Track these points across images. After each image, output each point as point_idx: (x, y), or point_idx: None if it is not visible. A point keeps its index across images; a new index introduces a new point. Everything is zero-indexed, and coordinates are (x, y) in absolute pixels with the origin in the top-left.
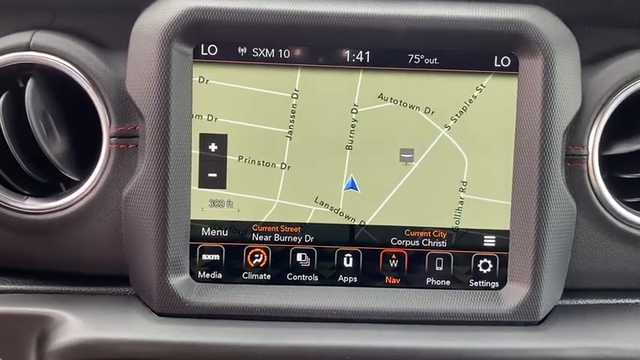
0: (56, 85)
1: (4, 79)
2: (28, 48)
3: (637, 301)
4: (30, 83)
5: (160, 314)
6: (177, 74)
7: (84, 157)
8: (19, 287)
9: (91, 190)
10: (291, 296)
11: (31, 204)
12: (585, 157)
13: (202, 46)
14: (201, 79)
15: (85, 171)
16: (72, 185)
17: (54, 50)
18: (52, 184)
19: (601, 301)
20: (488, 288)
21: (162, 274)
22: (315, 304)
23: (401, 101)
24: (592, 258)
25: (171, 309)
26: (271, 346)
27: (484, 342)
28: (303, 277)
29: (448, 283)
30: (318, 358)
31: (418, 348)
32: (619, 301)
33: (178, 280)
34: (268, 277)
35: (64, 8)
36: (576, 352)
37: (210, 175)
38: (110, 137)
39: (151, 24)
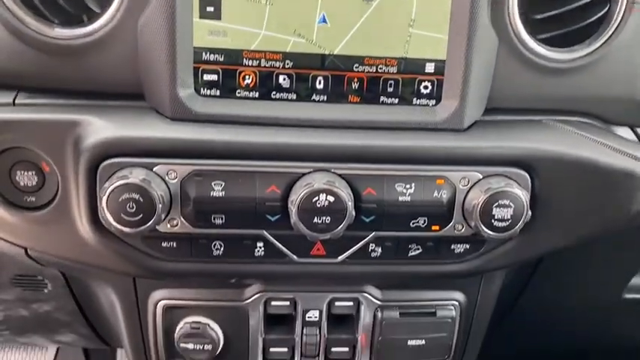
0: None
1: None
2: None
3: (541, 118)
4: None
5: (172, 119)
6: None
7: None
8: (52, 101)
9: (111, 20)
10: (275, 109)
11: (59, 32)
12: None
13: None
14: None
15: (104, 3)
16: (93, 17)
17: None
18: (76, 15)
19: (515, 117)
20: (427, 105)
21: (173, 87)
22: (294, 115)
23: None
24: (509, 83)
25: (182, 115)
26: (260, 142)
27: (422, 141)
28: (284, 96)
29: (397, 101)
30: (296, 150)
31: (372, 145)
32: (529, 117)
33: (186, 93)
34: (257, 94)
35: None
36: (492, 149)
37: (208, 8)
38: None
39: None
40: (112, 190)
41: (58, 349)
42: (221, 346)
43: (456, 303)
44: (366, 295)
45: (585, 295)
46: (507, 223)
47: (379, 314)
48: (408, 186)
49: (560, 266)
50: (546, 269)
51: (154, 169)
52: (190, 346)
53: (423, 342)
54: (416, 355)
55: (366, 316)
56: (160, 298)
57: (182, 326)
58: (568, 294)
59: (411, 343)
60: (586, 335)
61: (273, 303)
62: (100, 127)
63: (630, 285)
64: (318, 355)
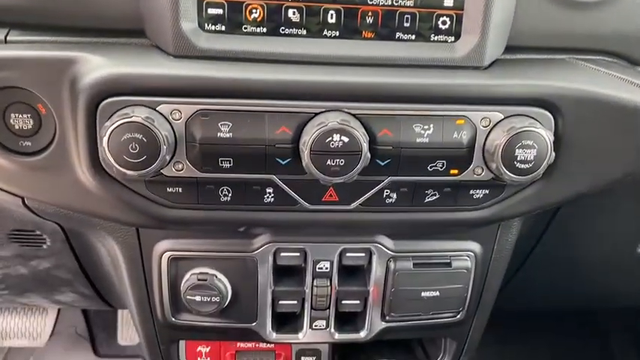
0: None
1: None
2: None
3: (564, 57)
4: None
5: (175, 56)
6: None
7: None
8: (47, 38)
9: None
10: (284, 45)
11: None
12: None
13: None
14: None
15: None
16: None
17: None
18: None
19: (536, 56)
20: (445, 41)
21: (176, 21)
22: (304, 52)
23: None
24: (531, 18)
25: (185, 51)
26: (269, 80)
27: (440, 79)
28: (294, 31)
29: (413, 37)
30: (307, 89)
31: (387, 82)
32: (552, 56)
33: (189, 27)
34: (264, 30)
35: None
36: (514, 87)
37: None
38: None
39: None
40: (114, 130)
41: (58, 313)
42: (229, 298)
43: (472, 253)
44: (378, 245)
45: (599, 249)
46: (530, 165)
47: (392, 265)
48: (426, 127)
49: (577, 217)
50: (563, 220)
51: (157, 109)
52: (197, 298)
53: (437, 293)
54: (429, 307)
55: (378, 267)
56: (164, 249)
57: (188, 278)
58: (583, 247)
59: (424, 294)
60: (598, 292)
61: (283, 254)
62: (98, 65)
63: None
64: (329, 307)
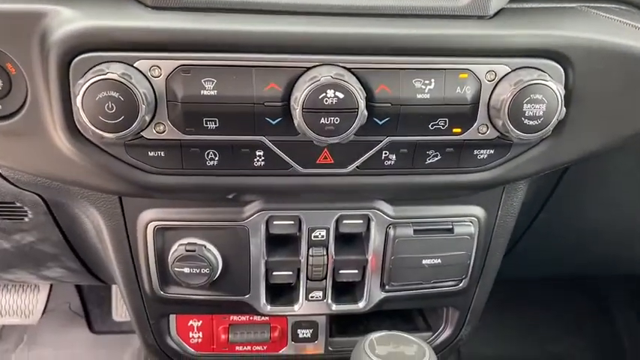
0: None
1: None
2: None
3: (573, 5)
4: None
5: (153, 7)
6: None
7: None
8: None
9: None
10: None
11: None
12: None
13: None
14: None
15: None
16: None
17: None
18: None
19: (545, 4)
20: None
21: None
22: (294, 0)
23: None
24: None
25: (164, 2)
26: (256, 31)
27: (442, 29)
28: None
29: None
30: (298, 41)
31: (385, 33)
32: (562, 5)
33: None
34: None
35: None
36: (521, 38)
37: None
38: None
39: None
40: (88, 88)
41: (50, 289)
42: (219, 269)
43: (475, 219)
44: (376, 211)
45: (604, 216)
46: (539, 122)
47: (391, 232)
48: (427, 81)
49: (583, 182)
50: (569, 184)
51: (135, 65)
52: (186, 270)
53: (439, 261)
54: (431, 276)
55: (376, 235)
56: (150, 219)
57: (176, 249)
58: (588, 213)
59: (425, 262)
60: (602, 260)
61: (276, 222)
62: (70, 18)
63: None
64: (325, 277)
